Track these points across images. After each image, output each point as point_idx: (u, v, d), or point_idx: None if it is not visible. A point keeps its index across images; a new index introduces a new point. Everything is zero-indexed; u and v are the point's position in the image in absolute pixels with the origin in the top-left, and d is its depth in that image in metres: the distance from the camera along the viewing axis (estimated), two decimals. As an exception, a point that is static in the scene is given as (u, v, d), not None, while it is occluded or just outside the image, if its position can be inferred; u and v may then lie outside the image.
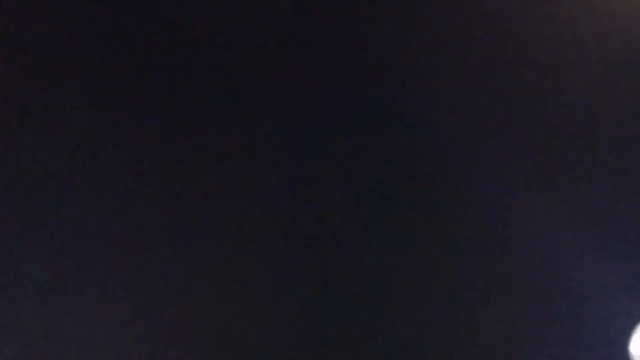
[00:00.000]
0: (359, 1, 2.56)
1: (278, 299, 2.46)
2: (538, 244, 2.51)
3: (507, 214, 2.53)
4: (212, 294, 2.39)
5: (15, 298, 2.30)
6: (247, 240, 2.45)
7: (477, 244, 2.49)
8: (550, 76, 2.53)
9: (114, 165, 2.39)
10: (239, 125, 2.50)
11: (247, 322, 2.40)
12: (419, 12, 2.55)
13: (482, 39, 2.54)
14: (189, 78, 2.52)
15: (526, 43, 2.51)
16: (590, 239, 2.49)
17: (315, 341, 2.43)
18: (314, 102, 2.54)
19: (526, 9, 2.52)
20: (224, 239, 2.44)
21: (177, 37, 2.48)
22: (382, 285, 2.47)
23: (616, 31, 2.49)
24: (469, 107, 2.61)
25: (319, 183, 2.51)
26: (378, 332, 2.44)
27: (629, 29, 2.49)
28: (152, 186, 2.44)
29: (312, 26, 2.57)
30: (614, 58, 2.53)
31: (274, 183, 2.48)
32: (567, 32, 2.52)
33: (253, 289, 2.44)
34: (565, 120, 2.59)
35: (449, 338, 2.37)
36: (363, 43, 2.56)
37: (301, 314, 2.45)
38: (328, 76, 2.53)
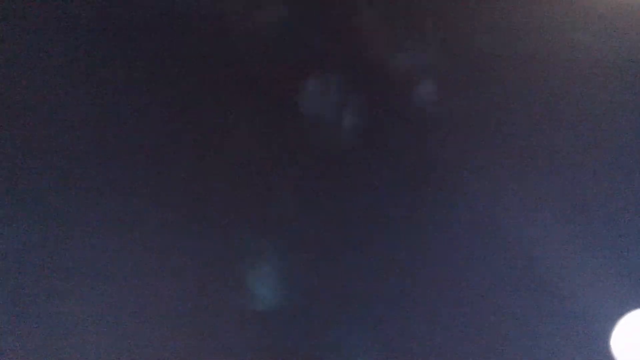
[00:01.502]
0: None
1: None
2: (522, 242, 2.53)
3: (493, 211, 2.54)
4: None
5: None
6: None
7: (465, 242, 2.50)
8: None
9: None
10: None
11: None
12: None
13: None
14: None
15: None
16: (573, 238, 2.51)
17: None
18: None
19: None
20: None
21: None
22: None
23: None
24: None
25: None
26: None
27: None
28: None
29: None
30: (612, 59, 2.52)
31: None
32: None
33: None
34: (554, 119, 2.59)
35: (441, 336, 2.39)
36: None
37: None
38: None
